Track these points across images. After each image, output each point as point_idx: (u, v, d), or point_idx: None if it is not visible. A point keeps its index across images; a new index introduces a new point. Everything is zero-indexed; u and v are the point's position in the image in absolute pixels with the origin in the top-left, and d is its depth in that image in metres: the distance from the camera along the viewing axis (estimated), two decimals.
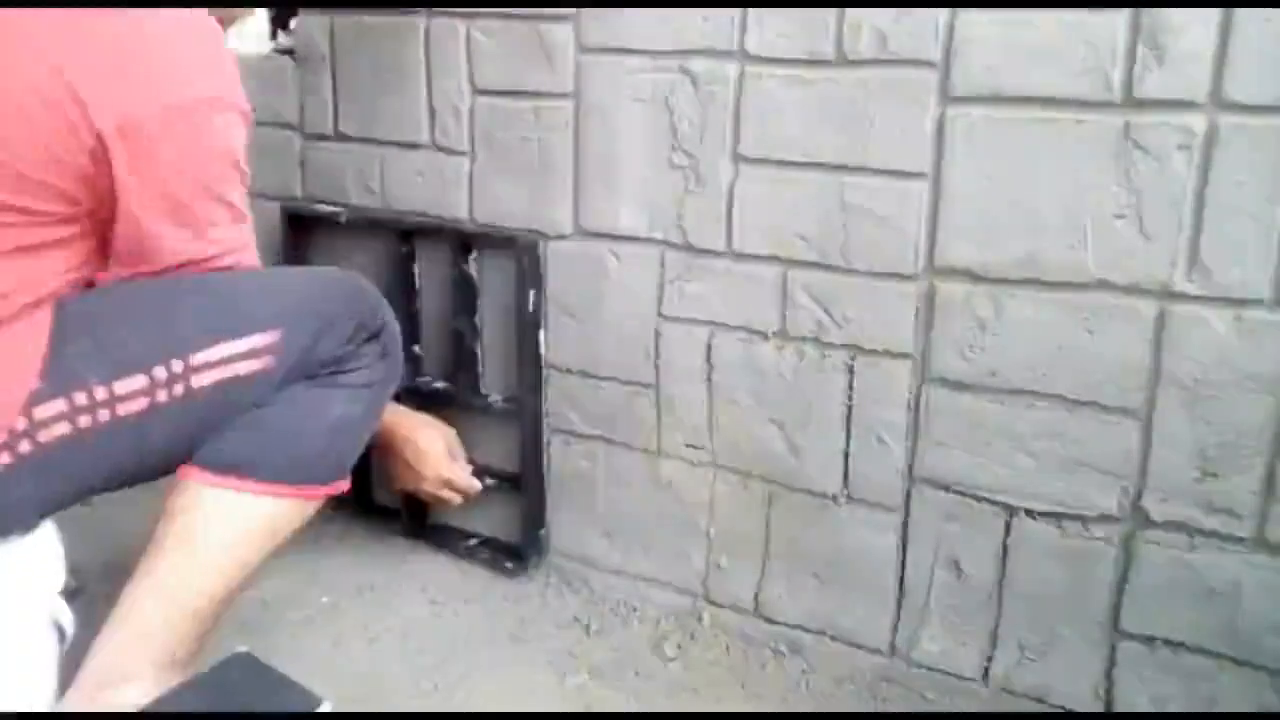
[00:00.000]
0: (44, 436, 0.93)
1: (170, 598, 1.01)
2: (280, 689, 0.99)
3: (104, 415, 0.95)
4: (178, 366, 0.97)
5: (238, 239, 1.04)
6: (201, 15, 0.99)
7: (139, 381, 0.96)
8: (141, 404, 0.96)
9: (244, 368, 0.99)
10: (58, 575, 0.99)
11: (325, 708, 0.98)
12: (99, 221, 0.96)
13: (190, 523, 1.01)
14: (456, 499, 1.44)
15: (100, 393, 0.94)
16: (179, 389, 0.97)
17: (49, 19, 0.90)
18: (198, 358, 0.98)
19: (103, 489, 1.01)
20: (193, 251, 1.00)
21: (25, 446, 0.92)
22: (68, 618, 0.99)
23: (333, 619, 1.37)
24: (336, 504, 1.62)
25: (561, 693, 1.23)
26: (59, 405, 0.93)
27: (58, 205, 0.92)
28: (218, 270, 1.03)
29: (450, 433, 1.44)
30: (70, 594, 1.01)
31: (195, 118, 0.95)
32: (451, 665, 1.27)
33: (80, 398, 0.93)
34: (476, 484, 1.45)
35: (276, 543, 1.07)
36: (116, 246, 0.97)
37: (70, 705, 0.97)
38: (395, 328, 1.12)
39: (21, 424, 0.91)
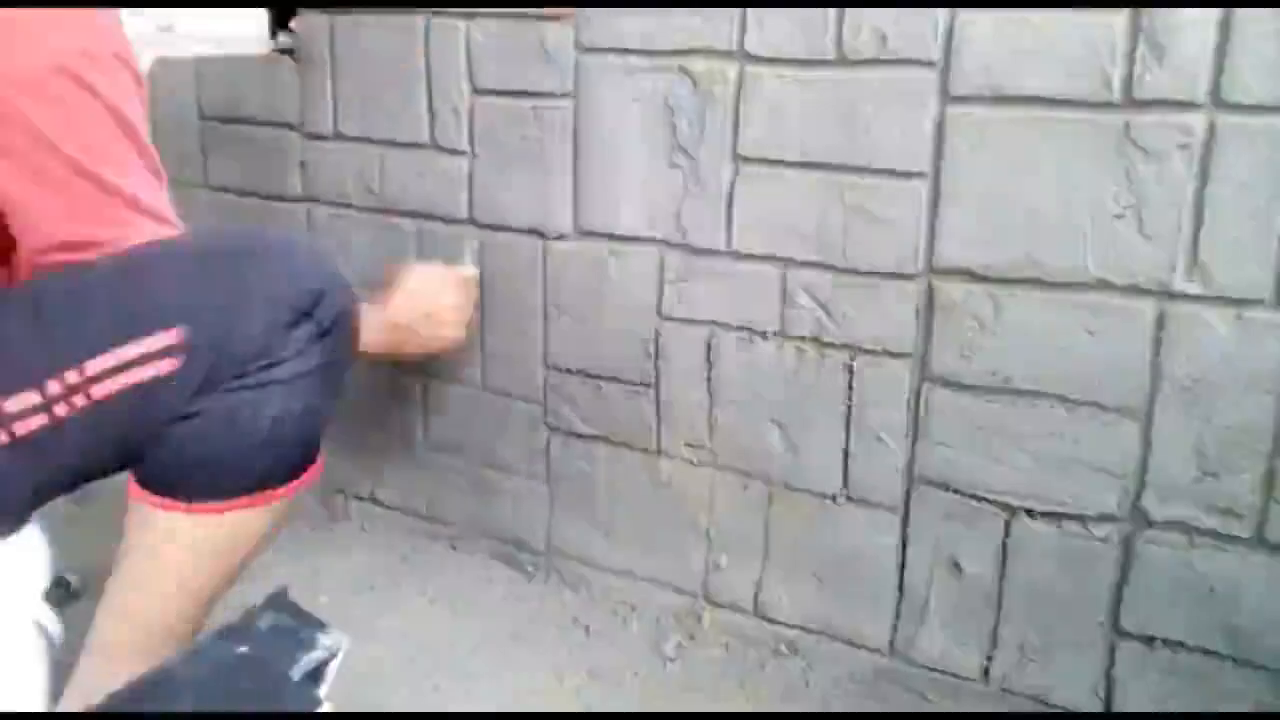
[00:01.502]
0: None
1: (138, 624, 0.97)
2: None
3: (1, 437, 0.88)
4: (73, 377, 0.89)
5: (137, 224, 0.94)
6: None
7: (31, 398, 0.88)
8: (40, 420, 0.89)
9: (147, 372, 0.90)
10: (39, 579, 0.96)
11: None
12: None
13: (148, 548, 0.97)
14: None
15: None
16: (79, 400, 0.89)
17: None
18: (93, 365, 0.89)
19: (39, 504, 0.95)
20: (72, 234, 0.91)
21: None
22: (53, 623, 0.97)
23: (332, 618, 1.35)
24: (336, 503, 1.63)
25: (561, 693, 1.23)
26: None
27: None
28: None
29: (452, 275, 1.37)
30: (73, 596, 1.00)
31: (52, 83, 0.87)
32: (451, 665, 1.27)
33: None
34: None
35: (249, 548, 1.01)
36: None
37: None
38: (336, 298, 0.98)
39: None
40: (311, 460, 1.02)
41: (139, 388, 0.90)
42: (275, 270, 0.95)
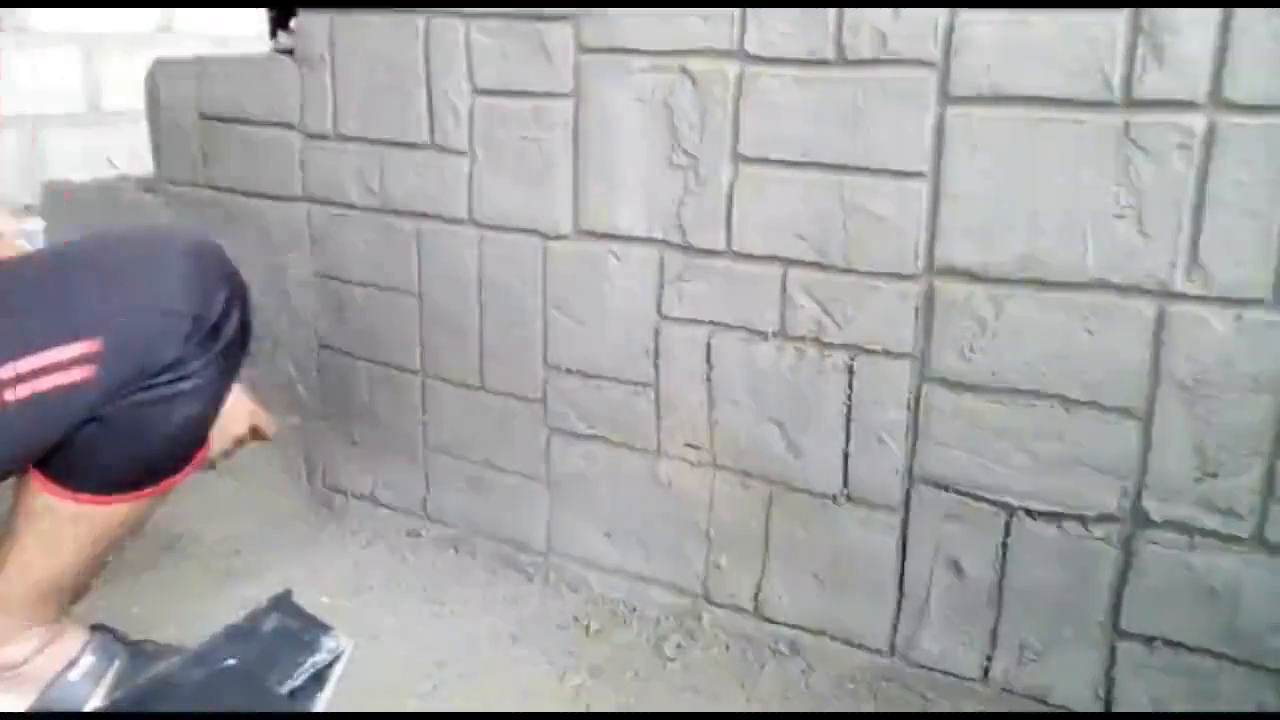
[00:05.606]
0: None
1: (21, 581, 1.03)
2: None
3: None
4: None
5: None
6: None
7: None
8: None
9: (63, 379, 0.92)
10: None
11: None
12: None
13: (34, 529, 1.01)
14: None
15: None
16: None
17: None
18: (8, 370, 0.90)
19: None
20: None
21: None
22: None
23: (332, 619, 1.36)
24: (336, 503, 1.63)
25: (561, 693, 1.23)
26: None
27: None
28: None
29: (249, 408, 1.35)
30: None
31: None
32: (451, 665, 1.27)
33: None
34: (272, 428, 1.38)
35: (132, 530, 1.07)
36: None
37: None
38: (241, 310, 1.02)
39: None
40: (198, 449, 1.07)
41: (54, 393, 0.92)
42: (191, 284, 0.98)
